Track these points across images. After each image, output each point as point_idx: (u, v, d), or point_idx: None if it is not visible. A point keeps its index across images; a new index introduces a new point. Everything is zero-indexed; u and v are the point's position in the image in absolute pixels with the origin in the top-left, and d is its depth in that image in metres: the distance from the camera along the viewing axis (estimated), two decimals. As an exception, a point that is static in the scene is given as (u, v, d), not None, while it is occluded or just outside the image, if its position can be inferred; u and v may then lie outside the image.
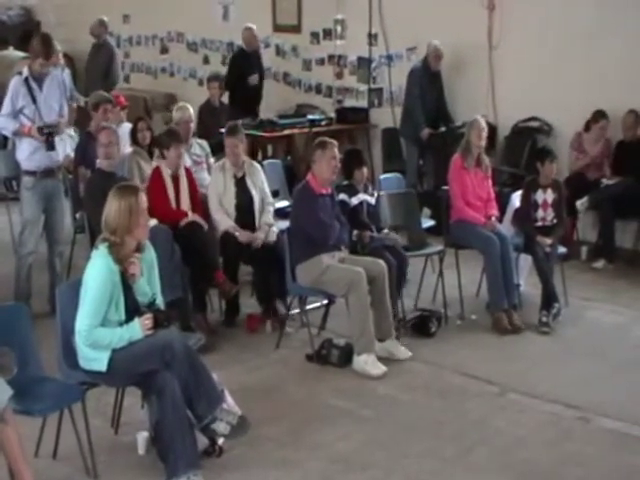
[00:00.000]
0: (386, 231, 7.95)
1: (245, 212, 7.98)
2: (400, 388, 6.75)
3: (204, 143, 9.28)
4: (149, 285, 5.57)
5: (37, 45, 7.53)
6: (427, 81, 11.15)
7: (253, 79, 12.21)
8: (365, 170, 7.93)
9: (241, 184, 8.04)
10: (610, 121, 9.93)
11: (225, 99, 11.92)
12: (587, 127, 10.06)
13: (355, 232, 7.69)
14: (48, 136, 7.52)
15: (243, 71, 12.09)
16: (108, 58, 13.63)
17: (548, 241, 8.09)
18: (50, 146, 7.57)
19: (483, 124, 8.35)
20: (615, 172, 9.83)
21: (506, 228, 8.44)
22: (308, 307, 7.62)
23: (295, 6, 13.15)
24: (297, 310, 7.68)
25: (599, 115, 9.94)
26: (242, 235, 7.76)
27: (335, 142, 7.44)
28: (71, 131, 9.62)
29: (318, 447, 5.83)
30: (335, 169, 7.36)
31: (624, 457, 5.76)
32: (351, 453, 5.77)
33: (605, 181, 9.88)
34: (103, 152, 7.71)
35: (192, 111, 9.21)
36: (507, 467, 5.61)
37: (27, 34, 13.26)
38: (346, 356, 7.07)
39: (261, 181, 8.20)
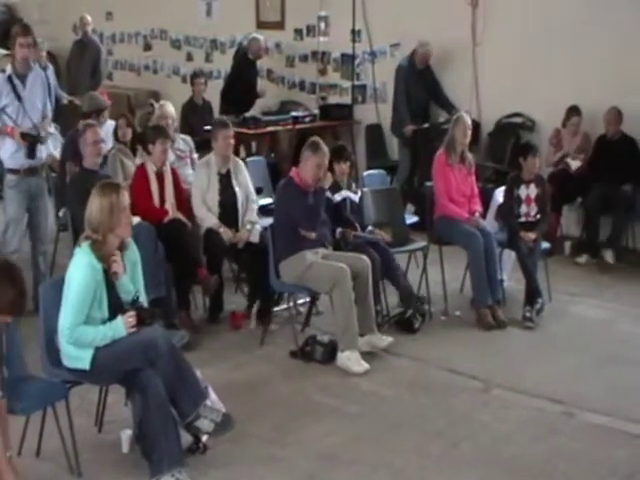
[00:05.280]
0: (370, 228, 7.94)
1: (228, 209, 7.96)
2: (385, 384, 6.75)
3: (188, 138, 9.27)
4: (132, 283, 5.55)
5: (15, 30, 7.55)
6: (414, 78, 11.16)
7: (262, 91, 12.29)
8: (346, 165, 7.91)
9: (225, 181, 8.02)
10: (583, 117, 9.98)
11: (207, 96, 11.85)
12: (564, 124, 10.12)
13: (339, 230, 7.69)
14: (31, 144, 7.49)
15: (247, 78, 12.13)
16: (95, 56, 13.61)
17: (532, 236, 8.11)
18: (31, 154, 7.53)
19: (468, 121, 8.35)
20: (592, 166, 9.83)
21: (490, 224, 8.46)
22: (291, 304, 7.62)
23: (278, 3, 13.16)
24: (281, 307, 7.71)
25: (572, 112, 10.02)
26: (225, 233, 7.75)
27: (327, 152, 7.31)
28: (52, 128, 9.56)
29: (303, 444, 5.82)
30: (316, 177, 7.25)
31: (609, 451, 5.77)
32: (337, 449, 5.76)
33: (569, 160, 9.95)
34: (92, 150, 7.66)
35: (171, 108, 9.17)
36: (493, 463, 5.62)
37: (9, 32, 13.18)
38: (330, 353, 7.07)
39: (245, 178, 8.18)
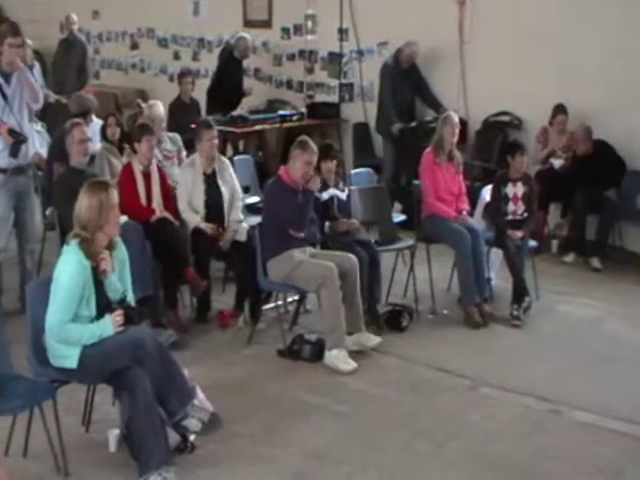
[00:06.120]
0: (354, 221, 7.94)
1: (215, 209, 7.94)
2: (373, 383, 6.75)
3: (176, 137, 9.24)
4: (120, 281, 5.54)
5: (4, 29, 7.49)
6: (399, 76, 11.17)
7: (249, 89, 12.27)
8: (333, 164, 7.90)
9: (210, 181, 8.00)
10: (569, 115, 10.02)
11: (194, 95, 11.82)
12: (550, 122, 10.15)
13: (328, 224, 7.69)
14: (17, 142, 7.46)
15: (233, 77, 12.12)
16: (81, 55, 13.58)
17: (519, 235, 8.13)
18: (14, 153, 7.50)
19: (456, 120, 8.36)
20: (574, 173, 9.85)
21: (477, 222, 8.47)
22: (280, 302, 7.62)
23: (266, 1, 13.15)
24: (269, 305, 7.71)
25: (558, 110, 10.06)
26: (207, 228, 7.75)
27: (315, 149, 7.33)
28: (38, 127, 9.54)
29: (291, 443, 5.82)
30: (306, 175, 7.27)
31: (596, 449, 5.78)
32: (325, 448, 5.76)
33: (553, 159, 10.02)
34: (79, 148, 7.65)
35: (161, 109, 9.15)
36: (481, 461, 5.63)
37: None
38: (318, 351, 7.07)
39: (231, 177, 8.17)
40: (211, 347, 7.38)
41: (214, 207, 7.94)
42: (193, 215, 7.86)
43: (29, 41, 10.81)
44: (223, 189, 8.02)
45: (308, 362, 7.07)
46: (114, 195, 5.49)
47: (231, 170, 8.23)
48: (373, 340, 7.25)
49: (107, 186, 5.53)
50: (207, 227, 7.77)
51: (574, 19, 10.00)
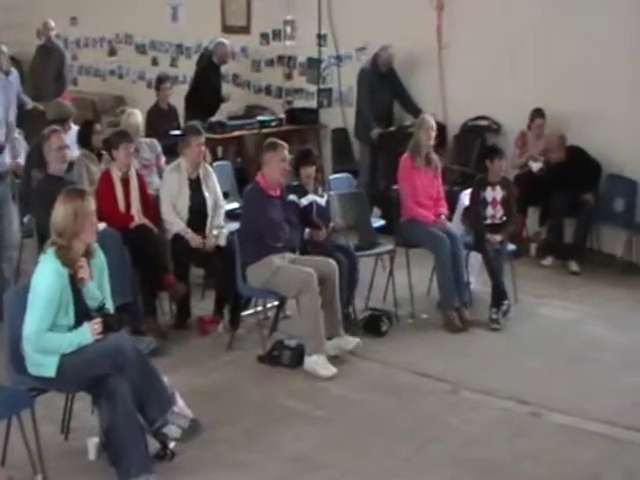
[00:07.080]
0: (332, 224, 7.93)
1: (198, 215, 7.95)
2: (353, 388, 6.75)
3: (154, 142, 9.22)
4: (99, 289, 5.52)
5: None
6: (377, 81, 11.19)
7: (227, 95, 12.26)
8: (312, 169, 7.91)
9: (195, 186, 8.00)
10: (547, 119, 10.07)
11: (172, 101, 11.78)
12: (528, 126, 10.20)
13: (307, 231, 7.69)
14: None
15: (212, 83, 12.11)
16: (59, 62, 13.52)
17: (498, 238, 8.14)
18: None
19: (432, 123, 8.37)
20: (552, 177, 9.90)
21: (456, 226, 8.48)
22: (259, 308, 7.62)
23: (244, 7, 13.15)
24: (249, 311, 7.71)
25: (536, 114, 10.12)
26: (193, 240, 7.73)
27: (285, 144, 7.41)
28: (16, 134, 9.50)
29: (272, 448, 5.81)
30: (284, 172, 7.35)
31: (576, 451, 5.81)
32: (306, 454, 5.76)
33: (531, 163, 10.07)
34: (57, 156, 7.63)
35: (138, 118, 9.13)
36: (461, 464, 5.64)
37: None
38: (298, 357, 7.06)
39: (214, 184, 8.17)
40: (191, 353, 7.37)
41: (197, 213, 7.94)
42: (178, 220, 7.84)
43: (4, 47, 10.80)
44: (207, 195, 8.02)
45: (288, 368, 7.06)
46: (90, 202, 5.46)
47: (214, 177, 8.23)
48: (352, 342, 7.23)
49: (83, 193, 5.51)
50: (192, 239, 7.74)
51: (551, 24, 10.03)
